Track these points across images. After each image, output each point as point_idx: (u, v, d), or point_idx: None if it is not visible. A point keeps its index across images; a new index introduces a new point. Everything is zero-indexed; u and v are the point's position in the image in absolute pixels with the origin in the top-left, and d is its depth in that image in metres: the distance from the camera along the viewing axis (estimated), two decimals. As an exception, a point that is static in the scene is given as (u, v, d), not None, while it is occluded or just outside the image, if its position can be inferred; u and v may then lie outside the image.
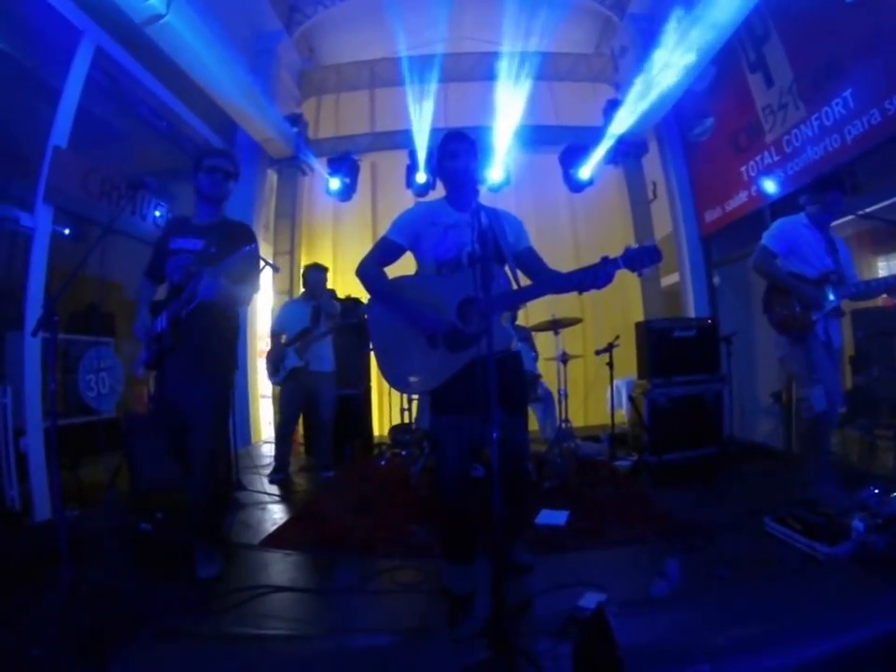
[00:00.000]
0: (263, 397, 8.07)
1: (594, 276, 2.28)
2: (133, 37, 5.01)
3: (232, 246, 2.80)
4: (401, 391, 4.51)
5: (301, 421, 5.77)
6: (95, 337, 4.92)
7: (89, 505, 4.06)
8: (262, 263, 3.48)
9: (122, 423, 4.29)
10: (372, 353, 2.91)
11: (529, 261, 2.71)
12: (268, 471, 5.13)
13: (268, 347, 5.33)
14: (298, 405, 5.19)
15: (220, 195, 3.07)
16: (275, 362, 5.05)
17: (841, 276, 3.41)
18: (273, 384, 5.30)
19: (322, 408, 5.11)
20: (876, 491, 2.95)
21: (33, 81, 4.37)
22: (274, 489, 4.72)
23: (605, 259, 2.27)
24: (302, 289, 5.35)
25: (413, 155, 7.61)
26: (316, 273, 5.21)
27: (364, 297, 3.71)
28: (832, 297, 3.37)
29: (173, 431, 2.97)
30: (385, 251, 2.67)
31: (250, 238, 3.01)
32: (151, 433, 4.18)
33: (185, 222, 3.14)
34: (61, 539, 2.24)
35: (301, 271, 5.46)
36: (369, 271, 2.64)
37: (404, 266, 2.74)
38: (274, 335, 5.21)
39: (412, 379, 2.60)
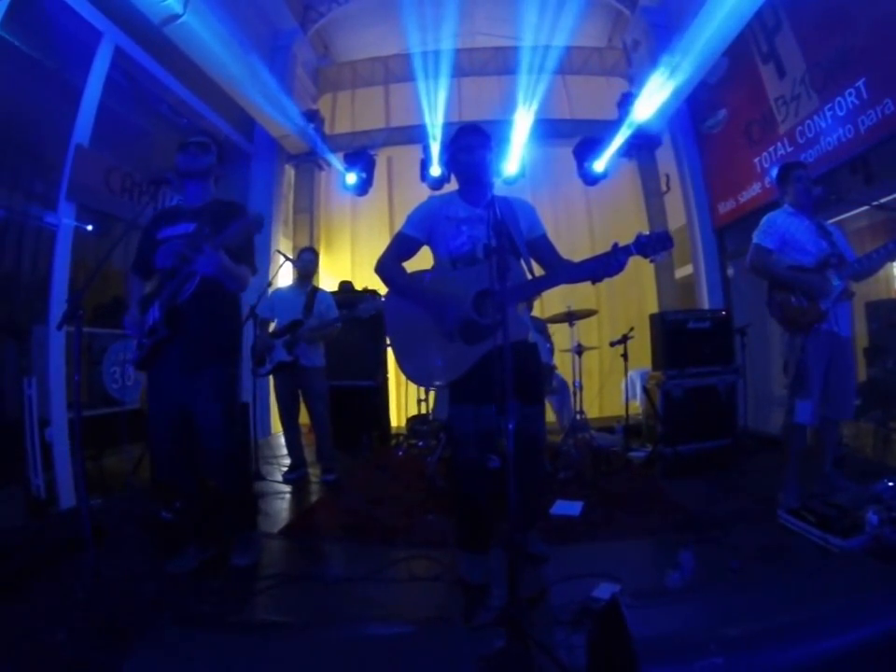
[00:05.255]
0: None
1: (606, 264, 2.31)
2: (152, 37, 5.09)
3: (227, 224, 2.62)
4: (419, 384, 4.55)
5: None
6: (119, 330, 4.96)
7: (112, 494, 4.17)
8: (279, 255, 3.44)
9: (145, 414, 4.36)
10: (389, 347, 2.89)
11: (543, 250, 2.73)
12: (287, 463, 5.02)
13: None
14: (294, 396, 4.79)
15: (198, 169, 2.87)
16: (261, 353, 4.62)
17: (841, 257, 3.24)
18: (258, 377, 4.77)
19: (314, 405, 4.75)
20: (891, 484, 2.93)
21: (55, 82, 4.45)
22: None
23: (616, 247, 2.30)
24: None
25: (426, 150, 7.67)
26: (306, 255, 4.93)
27: (382, 290, 3.71)
28: (836, 281, 3.19)
29: (175, 431, 2.79)
30: (401, 246, 2.70)
31: (244, 213, 2.78)
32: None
33: (174, 210, 2.99)
34: (84, 526, 2.29)
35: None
36: (387, 266, 2.67)
37: (420, 262, 2.78)
38: (263, 322, 4.76)
39: (429, 372, 2.62)
